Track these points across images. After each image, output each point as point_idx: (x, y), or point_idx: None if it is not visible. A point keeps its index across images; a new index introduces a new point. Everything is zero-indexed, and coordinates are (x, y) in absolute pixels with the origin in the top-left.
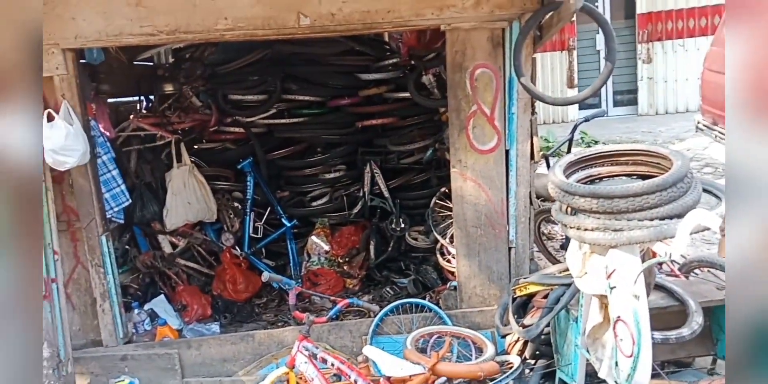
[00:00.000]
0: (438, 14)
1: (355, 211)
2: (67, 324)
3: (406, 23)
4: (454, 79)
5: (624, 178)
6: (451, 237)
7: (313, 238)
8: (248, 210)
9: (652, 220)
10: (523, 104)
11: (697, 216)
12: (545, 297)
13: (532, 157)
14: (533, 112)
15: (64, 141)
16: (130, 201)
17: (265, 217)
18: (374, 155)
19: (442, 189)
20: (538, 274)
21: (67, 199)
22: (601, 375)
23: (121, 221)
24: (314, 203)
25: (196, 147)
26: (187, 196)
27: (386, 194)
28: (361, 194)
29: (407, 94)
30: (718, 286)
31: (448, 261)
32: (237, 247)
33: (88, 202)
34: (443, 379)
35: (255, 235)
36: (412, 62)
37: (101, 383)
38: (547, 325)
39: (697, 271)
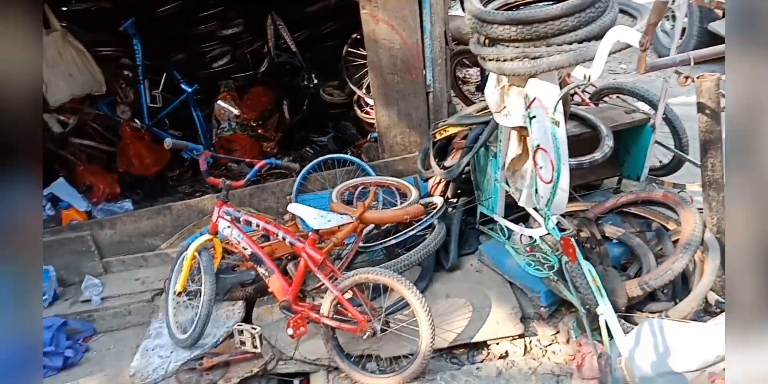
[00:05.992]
0: None
1: (262, 69)
2: None
3: None
4: None
5: (541, 4)
6: (368, 87)
7: (220, 102)
8: (141, 77)
9: (571, 43)
10: None
11: (618, 33)
12: (464, 138)
13: None
14: None
15: None
16: None
17: (162, 84)
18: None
19: (354, 35)
20: (456, 116)
21: None
22: (521, 203)
23: None
24: (215, 64)
25: (64, 9)
26: (67, 68)
27: (293, 48)
28: (265, 50)
29: None
30: (627, 110)
31: (367, 112)
32: (136, 120)
33: None
34: (371, 226)
35: (154, 105)
36: None
37: None
38: (467, 165)
39: (606, 98)
